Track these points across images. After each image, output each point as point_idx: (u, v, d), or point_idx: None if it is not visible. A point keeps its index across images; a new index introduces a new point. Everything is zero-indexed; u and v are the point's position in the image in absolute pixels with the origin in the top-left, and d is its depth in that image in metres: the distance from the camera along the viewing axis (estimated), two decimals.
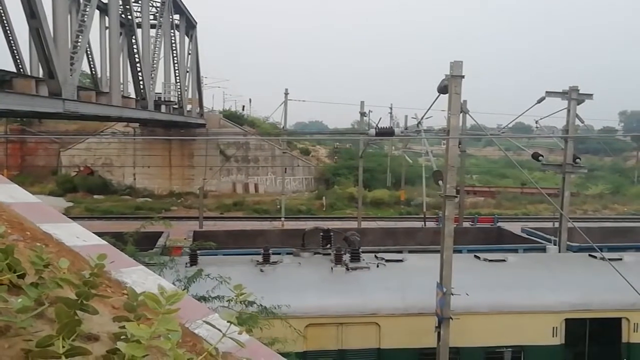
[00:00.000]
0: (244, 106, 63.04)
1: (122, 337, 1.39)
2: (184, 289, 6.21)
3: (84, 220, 27.05)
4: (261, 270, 9.98)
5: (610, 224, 28.88)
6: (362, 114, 29.92)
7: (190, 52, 45.02)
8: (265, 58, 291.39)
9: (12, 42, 25.11)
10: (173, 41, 39.92)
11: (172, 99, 39.33)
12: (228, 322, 1.80)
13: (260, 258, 10.34)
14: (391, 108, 48.97)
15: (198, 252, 10.57)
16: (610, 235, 19.40)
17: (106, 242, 2.47)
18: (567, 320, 9.60)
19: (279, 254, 11.24)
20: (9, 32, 24.74)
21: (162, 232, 13.52)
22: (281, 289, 9.22)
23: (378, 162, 48.87)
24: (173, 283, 6.72)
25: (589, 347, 9.87)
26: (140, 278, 2.12)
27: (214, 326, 1.80)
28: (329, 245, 11.24)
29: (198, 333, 1.85)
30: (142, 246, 8.15)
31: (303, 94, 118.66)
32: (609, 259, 10.32)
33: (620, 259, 11.01)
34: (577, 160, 14.97)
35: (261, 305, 6.65)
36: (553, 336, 9.51)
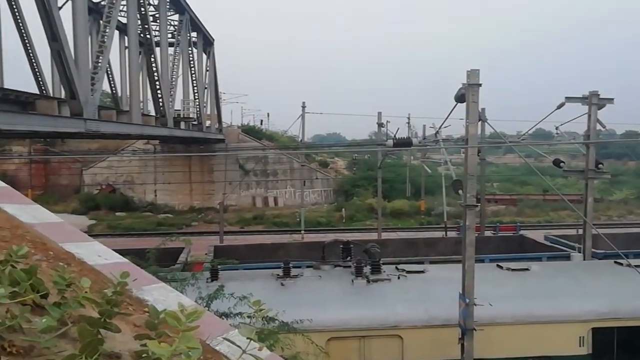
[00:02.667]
0: (262, 120, 63.61)
1: (143, 355, 1.41)
2: (205, 306, 6.23)
3: (106, 238, 27.32)
4: (282, 284, 9.97)
5: (636, 229, 28.29)
6: (380, 125, 29.93)
7: (208, 68, 45.58)
8: (284, 73, 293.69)
9: (34, 64, 25.70)
10: (191, 58, 40.48)
11: (191, 116, 39.78)
12: (248, 338, 1.81)
13: (280, 272, 10.34)
14: (409, 118, 48.75)
15: (219, 267, 10.62)
16: (636, 242, 19.00)
17: (127, 260, 2.51)
18: (593, 329, 9.41)
19: (300, 267, 11.22)
20: (31, 54, 25.34)
21: (184, 248, 13.62)
22: (302, 302, 9.20)
23: (397, 173, 48.71)
24: (195, 301, 6.76)
25: (617, 356, 9.65)
26: (161, 295, 2.14)
27: (233, 343, 1.81)
28: (349, 258, 11.20)
29: (219, 350, 1.86)
30: (163, 262, 8.22)
31: (321, 106, 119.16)
32: (636, 266, 10.14)
33: None
34: (600, 165, 14.74)
35: (281, 320, 6.64)
36: (580, 346, 9.33)
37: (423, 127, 37.54)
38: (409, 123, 49.49)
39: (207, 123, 44.19)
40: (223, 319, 6.26)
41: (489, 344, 8.86)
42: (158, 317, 1.58)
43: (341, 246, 11.67)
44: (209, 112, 45.45)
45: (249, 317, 5.65)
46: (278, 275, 10.30)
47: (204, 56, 44.70)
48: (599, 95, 14.24)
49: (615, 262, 11.34)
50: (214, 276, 10.02)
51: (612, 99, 14.54)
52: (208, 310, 4.27)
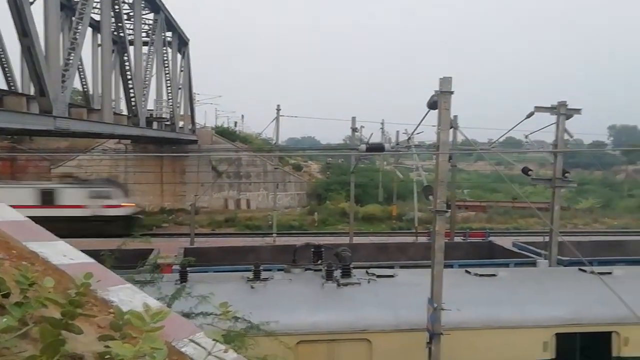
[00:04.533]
0: (236, 122, 63.36)
1: (106, 357, 1.40)
2: (169, 307, 6.18)
3: (71, 238, 26.61)
4: (252, 287, 9.94)
5: (600, 237, 29.01)
6: (354, 130, 30.04)
7: (182, 69, 45.18)
8: (259, 76, 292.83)
9: (3, 60, 25.13)
10: (165, 58, 40.09)
11: (164, 116, 39.35)
12: (213, 340, 1.81)
13: (250, 274, 10.31)
14: (382, 123, 49.00)
15: (189, 269, 10.52)
16: (600, 249, 19.49)
17: (93, 260, 2.48)
18: (557, 334, 9.62)
19: (270, 270, 11.21)
20: (0, 50, 24.77)
21: (153, 250, 13.44)
22: (272, 305, 9.19)
23: (370, 178, 48.97)
24: (168, 305, 6.69)
25: None
26: (127, 296, 2.13)
27: (199, 344, 1.81)
28: (320, 261, 11.22)
29: (185, 351, 1.85)
30: (131, 264, 8.11)
31: (296, 110, 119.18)
32: (599, 273, 10.39)
33: (610, 273, 11.07)
34: (567, 174, 15.06)
35: (249, 322, 6.62)
36: (544, 351, 9.52)
37: (396, 133, 37.78)
38: (382, 128, 49.75)
39: (180, 124, 43.78)
40: (192, 319, 6.21)
41: (455, 348, 8.98)
42: (123, 318, 1.57)
43: (312, 250, 11.68)
44: (182, 113, 45.03)
45: (214, 317, 5.61)
46: (248, 278, 10.27)
47: (179, 56, 44.31)
48: (566, 105, 14.58)
49: (580, 269, 11.61)
50: (183, 278, 9.93)
51: (580, 109, 14.88)
52: (174, 311, 4.25)
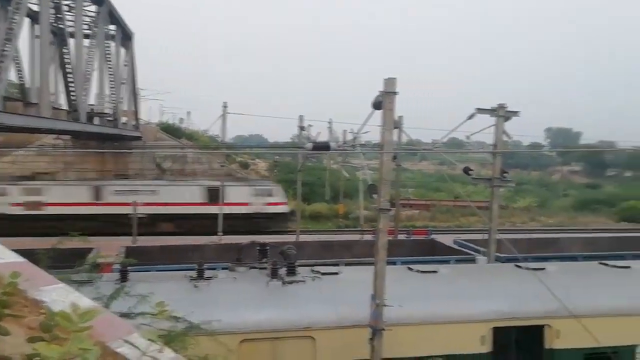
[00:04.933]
0: (181, 119, 62.19)
1: (34, 359, 1.38)
2: (107, 307, 6.03)
3: (7, 238, 25.46)
4: (195, 286, 9.82)
5: (536, 235, 30.27)
6: (301, 128, 30.15)
7: (126, 63, 43.94)
8: (207, 73, 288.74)
9: None
10: (108, 52, 38.86)
11: (106, 111, 38.16)
12: (149, 340, 1.80)
13: (194, 273, 10.18)
14: (330, 122, 49.30)
15: (131, 268, 10.28)
16: (535, 246, 20.35)
17: (24, 260, 2.41)
18: (494, 328, 9.97)
19: (215, 269, 11.10)
20: None
21: (92, 249, 13.04)
22: (215, 304, 9.11)
23: (317, 176, 49.16)
24: (103, 302, 6.51)
25: (516, 354, 10.28)
26: (60, 296, 2.08)
27: (133, 345, 1.79)
28: (265, 260, 11.21)
29: (120, 352, 1.83)
30: (70, 263, 7.85)
31: (244, 107, 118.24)
32: (533, 269, 10.87)
33: (544, 269, 11.57)
34: (505, 174, 15.65)
35: (189, 321, 6.54)
36: (481, 344, 9.85)
37: (343, 132, 38.17)
38: (330, 127, 50.01)
39: (124, 119, 42.57)
40: (132, 319, 6.08)
41: (397, 343, 9.17)
42: (54, 319, 1.54)
43: (258, 248, 11.65)
44: (125, 108, 43.80)
45: (155, 318, 5.51)
46: (191, 277, 10.14)
47: (122, 50, 43.06)
48: (505, 107, 15.13)
49: (516, 265, 12.07)
50: (124, 278, 9.71)
51: (518, 111, 15.48)
52: (112, 311, 4.15)
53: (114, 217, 31.76)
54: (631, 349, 10.29)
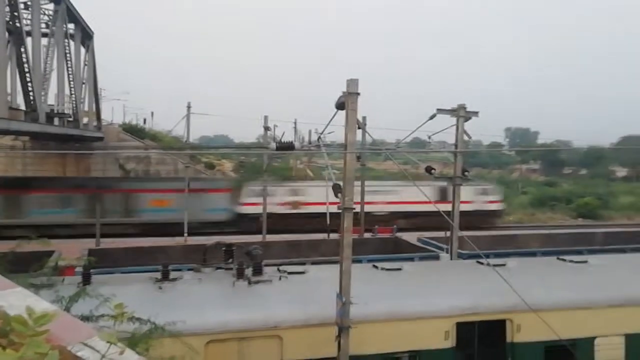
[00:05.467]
0: (145, 119, 61.10)
1: None
2: (68, 310, 5.87)
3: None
4: (160, 288, 9.67)
5: (497, 232, 30.91)
6: (266, 128, 30.00)
7: (86, 63, 42.92)
8: (172, 72, 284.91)
9: None
10: (67, 51, 37.86)
11: (66, 111, 37.19)
12: (108, 342, 1.75)
13: (159, 275, 10.03)
14: (295, 122, 49.40)
15: (94, 270, 10.05)
16: (496, 243, 20.80)
17: None
18: (457, 324, 10.12)
19: (180, 270, 10.96)
20: None
21: (53, 252, 12.68)
22: (181, 306, 8.98)
23: (283, 176, 49.04)
24: (64, 306, 6.34)
25: (478, 348, 10.46)
26: (18, 300, 2.01)
27: (93, 348, 1.75)
28: (231, 260, 11.13)
29: (81, 355, 1.78)
30: (29, 267, 7.62)
31: (209, 108, 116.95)
32: (494, 265, 11.08)
33: (504, 265, 11.82)
34: (466, 173, 15.91)
35: (153, 323, 6.43)
36: (445, 340, 9.99)
37: (309, 132, 38.29)
38: (295, 128, 50.09)
39: (85, 120, 41.57)
40: (94, 322, 5.94)
41: (363, 341, 9.22)
42: (10, 324, 1.49)
43: (223, 249, 11.55)
44: (87, 109, 42.78)
45: (117, 320, 5.39)
46: (156, 278, 9.98)
47: (82, 50, 42.04)
48: (465, 108, 15.40)
49: (478, 261, 12.29)
50: (86, 280, 9.49)
51: (477, 112, 15.76)
52: (73, 315, 4.05)
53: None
54: (590, 340, 10.59)
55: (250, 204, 36.67)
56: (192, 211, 32.90)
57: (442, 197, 34.42)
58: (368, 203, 31.07)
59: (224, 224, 36.40)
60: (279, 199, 37.61)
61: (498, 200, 42.53)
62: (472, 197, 38.68)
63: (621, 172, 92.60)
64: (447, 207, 14.42)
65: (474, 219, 36.20)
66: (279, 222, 34.54)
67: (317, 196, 36.07)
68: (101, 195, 35.09)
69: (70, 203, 35.35)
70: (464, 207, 36.30)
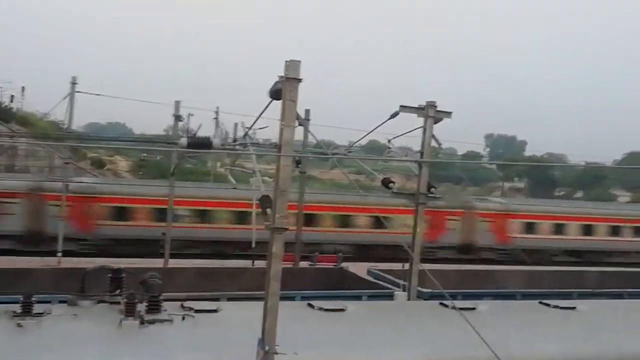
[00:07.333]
0: (12, 96, 59.18)
1: None
2: None
3: None
4: (19, 325, 9.35)
5: (468, 267, 31.66)
6: (177, 118, 29.48)
7: None
8: (51, 39, 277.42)
9: None
10: None
11: None
12: None
13: (18, 308, 9.70)
14: (217, 112, 48.33)
15: None
16: (466, 280, 21.33)
17: None
18: None
19: (48, 302, 10.64)
20: None
21: None
22: (47, 351, 8.72)
23: (197, 181, 48.61)
24: None
25: None
26: None
27: None
28: (119, 291, 10.90)
29: None
30: None
31: (105, 87, 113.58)
32: (461, 308, 11.31)
33: (474, 308, 12.09)
34: (433, 189, 16.21)
35: None
36: None
37: (234, 126, 37.82)
38: (217, 119, 49.20)
39: None
40: None
41: None
42: None
43: (109, 275, 11.31)
44: None
45: None
46: (14, 312, 9.65)
47: None
48: (436, 106, 15.65)
49: (441, 303, 12.53)
50: None
51: (450, 112, 16.11)
52: None
53: None
54: None
55: None
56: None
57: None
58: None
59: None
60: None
61: None
62: None
63: (624, 197, 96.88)
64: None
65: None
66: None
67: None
68: None
69: None
70: None
